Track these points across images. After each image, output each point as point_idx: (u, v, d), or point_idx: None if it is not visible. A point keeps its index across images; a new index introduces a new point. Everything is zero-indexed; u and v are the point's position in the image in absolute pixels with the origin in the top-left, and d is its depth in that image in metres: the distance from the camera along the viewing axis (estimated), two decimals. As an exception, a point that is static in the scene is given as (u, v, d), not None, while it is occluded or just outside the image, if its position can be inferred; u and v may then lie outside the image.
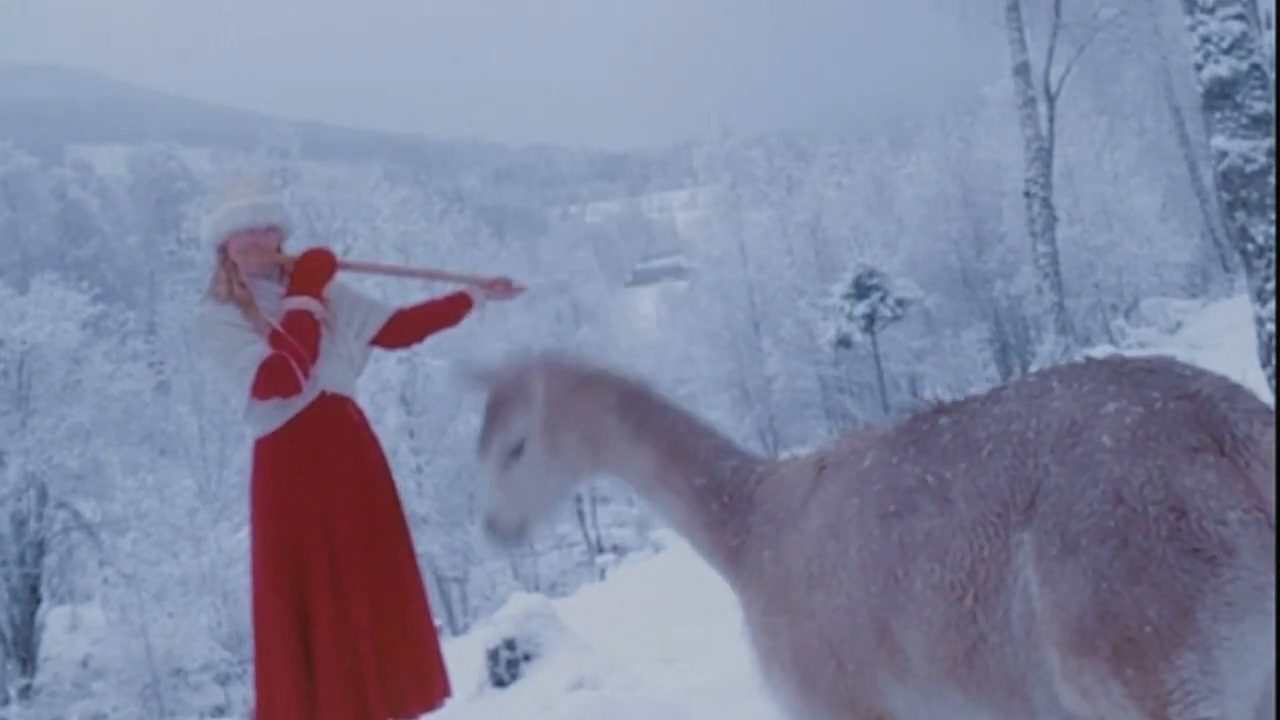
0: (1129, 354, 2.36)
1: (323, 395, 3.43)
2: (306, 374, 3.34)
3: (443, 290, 3.91)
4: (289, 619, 3.31)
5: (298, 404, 3.38)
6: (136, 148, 57.38)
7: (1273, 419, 1.88)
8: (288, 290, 3.47)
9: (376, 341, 3.72)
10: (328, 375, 3.45)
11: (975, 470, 2.03)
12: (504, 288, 3.83)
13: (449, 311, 3.77)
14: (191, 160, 58.30)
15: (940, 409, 2.22)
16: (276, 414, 3.38)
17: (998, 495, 1.98)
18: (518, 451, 2.58)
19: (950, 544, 2.02)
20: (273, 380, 3.30)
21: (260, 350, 3.32)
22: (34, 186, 46.08)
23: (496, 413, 2.61)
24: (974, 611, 1.98)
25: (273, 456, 3.40)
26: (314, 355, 3.38)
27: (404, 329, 3.74)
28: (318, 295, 3.47)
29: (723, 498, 2.49)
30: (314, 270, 3.51)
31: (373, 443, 3.56)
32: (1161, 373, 1.97)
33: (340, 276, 3.63)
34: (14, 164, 44.37)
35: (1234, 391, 1.93)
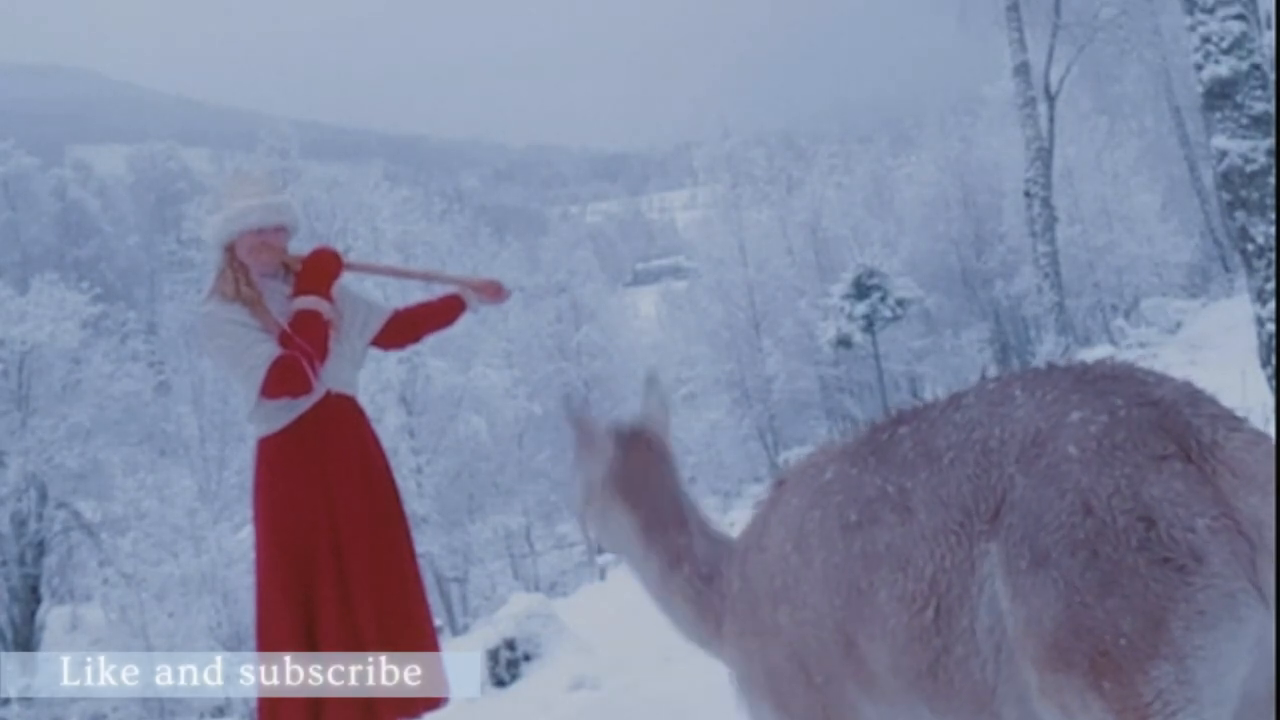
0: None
1: (328, 394, 3.44)
2: (316, 373, 3.35)
3: (439, 292, 4.01)
4: (295, 617, 3.31)
5: (304, 403, 3.38)
6: (136, 148, 57.18)
7: (1236, 424, 1.87)
8: (294, 290, 3.47)
9: (375, 342, 3.75)
10: (333, 374, 3.46)
11: (936, 479, 2.01)
12: (493, 291, 3.92)
13: (442, 313, 3.87)
14: (191, 160, 58.27)
15: (899, 418, 2.20)
16: (282, 413, 3.38)
17: (960, 504, 1.96)
18: (589, 488, 2.82)
19: (912, 554, 2.00)
20: (284, 379, 3.29)
21: (270, 350, 3.31)
22: (34, 186, 45.89)
23: (580, 454, 2.84)
24: (936, 623, 1.96)
25: (278, 454, 3.40)
26: (323, 355, 3.39)
27: (401, 330, 3.79)
28: (326, 295, 3.48)
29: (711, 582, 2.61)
30: (321, 270, 3.52)
31: (375, 441, 3.58)
32: (1123, 379, 1.95)
33: (342, 277, 3.64)
34: (14, 164, 44.14)
35: (1196, 397, 1.92)
